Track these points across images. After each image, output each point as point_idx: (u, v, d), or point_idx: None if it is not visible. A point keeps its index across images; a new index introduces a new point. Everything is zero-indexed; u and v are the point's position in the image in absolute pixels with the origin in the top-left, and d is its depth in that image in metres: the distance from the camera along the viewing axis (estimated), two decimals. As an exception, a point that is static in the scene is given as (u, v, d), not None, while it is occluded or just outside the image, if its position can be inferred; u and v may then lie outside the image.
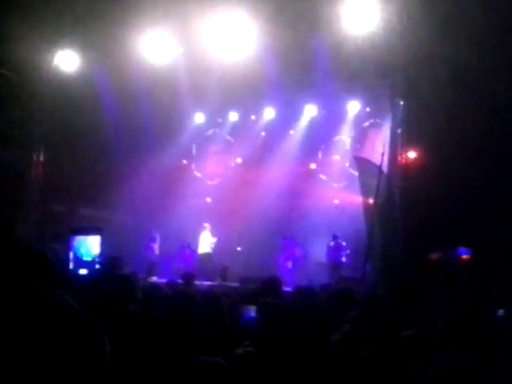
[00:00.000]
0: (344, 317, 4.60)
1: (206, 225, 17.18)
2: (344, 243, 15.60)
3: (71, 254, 8.28)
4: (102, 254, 9.58)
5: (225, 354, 3.30)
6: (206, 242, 17.07)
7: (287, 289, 9.48)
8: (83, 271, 7.13)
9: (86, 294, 4.41)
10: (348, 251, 15.63)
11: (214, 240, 17.02)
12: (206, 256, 16.86)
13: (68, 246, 8.23)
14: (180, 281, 9.70)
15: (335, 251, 15.54)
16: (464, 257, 11.49)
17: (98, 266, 8.30)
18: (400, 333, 3.75)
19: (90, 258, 8.61)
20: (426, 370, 2.62)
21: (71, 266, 7.64)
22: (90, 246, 9.67)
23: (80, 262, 8.27)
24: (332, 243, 15.61)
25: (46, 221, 15.95)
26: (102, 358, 1.17)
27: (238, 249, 17.37)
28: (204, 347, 3.64)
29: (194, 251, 16.99)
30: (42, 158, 16.13)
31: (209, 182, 19.96)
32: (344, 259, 15.64)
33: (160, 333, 3.78)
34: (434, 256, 11.59)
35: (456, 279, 10.91)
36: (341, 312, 4.84)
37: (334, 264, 15.38)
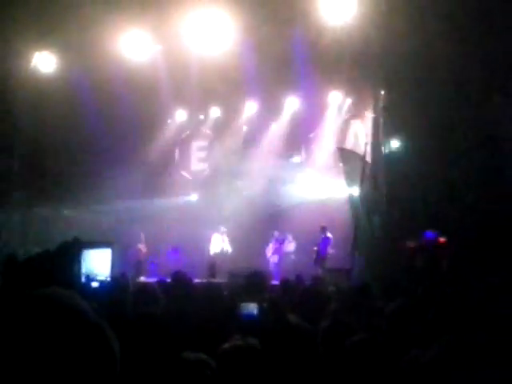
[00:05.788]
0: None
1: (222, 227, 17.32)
2: (329, 234, 15.56)
3: (83, 268, 8.10)
4: (113, 269, 9.38)
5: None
6: (217, 242, 17.24)
7: (275, 282, 9.51)
8: (95, 284, 7.00)
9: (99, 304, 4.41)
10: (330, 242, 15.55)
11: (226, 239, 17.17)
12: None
13: (78, 260, 8.10)
14: (169, 280, 9.66)
15: (321, 243, 15.53)
16: (441, 240, 11.55)
17: (109, 279, 8.18)
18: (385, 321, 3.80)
19: (101, 277, 8.48)
20: (420, 357, 2.65)
21: (83, 279, 7.47)
22: (100, 260, 9.45)
23: (92, 277, 8.14)
24: (322, 236, 15.61)
25: (29, 224, 15.82)
26: (110, 359, 1.16)
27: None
28: (198, 343, 3.62)
29: (181, 251, 17.01)
30: (24, 160, 15.99)
31: (192, 179, 19.90)
32: (331, 251, 15.63)
33: (152, 331, 3.77)
34: (411, 244, 11.66)
35: (438, 267, 11.02)
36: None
37: (320, 256, 15.36)
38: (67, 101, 15.48)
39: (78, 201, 16.81)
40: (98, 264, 8.12)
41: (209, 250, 17.19)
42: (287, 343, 3.21)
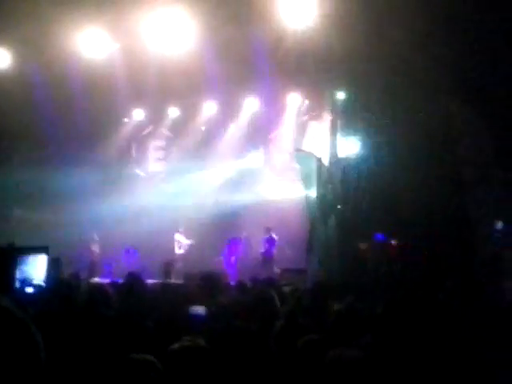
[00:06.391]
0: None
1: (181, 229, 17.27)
2: (274, 235, 15.76)
3: (16, 273, 7.94)
4: (49, 275, 9.22)
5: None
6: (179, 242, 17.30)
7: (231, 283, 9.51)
8: (30, 289, 6.89)
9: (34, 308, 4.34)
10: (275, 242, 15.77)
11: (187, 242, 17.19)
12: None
13: (12, 265, 7.92)
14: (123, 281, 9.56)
15: (266, 244, 15.75)
16: (393, 243, 11.81)
17: (44, 284, 8.08)
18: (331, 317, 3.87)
19: (37, 282, 8.34)
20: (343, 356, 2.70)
21: (17, 284, 7.34)
22: (35, 265, 9.23)
23: (26, 282, 8.01)
24: (267, 236, 15.81)
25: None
26: (34, 358, 1.15)
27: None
28: (150, 344, 3.60)
29: (136, 252, 16.90)
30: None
31: (148, 179, 19.73)
32: (287, 251, 15.77)
33: (103, 331, 3.73)
34: (363, 245, 11.89)
35: (390, 269, 11.24)
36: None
37: (265, 257, 15.54)
38: (21, 98, 15.15)
39: (30, 200, 16.50)
40: (33, 269, 8.08)
41: (168, 251, 17.11)
42: (235, 345, 3.21)
